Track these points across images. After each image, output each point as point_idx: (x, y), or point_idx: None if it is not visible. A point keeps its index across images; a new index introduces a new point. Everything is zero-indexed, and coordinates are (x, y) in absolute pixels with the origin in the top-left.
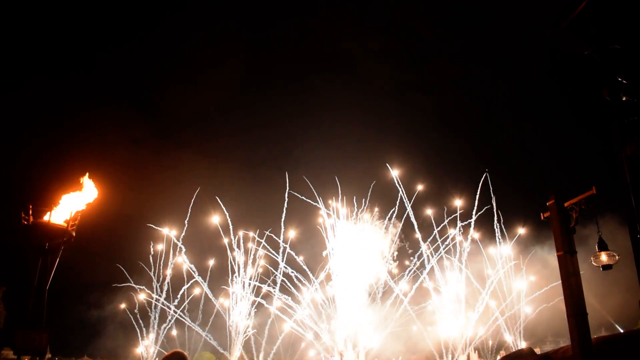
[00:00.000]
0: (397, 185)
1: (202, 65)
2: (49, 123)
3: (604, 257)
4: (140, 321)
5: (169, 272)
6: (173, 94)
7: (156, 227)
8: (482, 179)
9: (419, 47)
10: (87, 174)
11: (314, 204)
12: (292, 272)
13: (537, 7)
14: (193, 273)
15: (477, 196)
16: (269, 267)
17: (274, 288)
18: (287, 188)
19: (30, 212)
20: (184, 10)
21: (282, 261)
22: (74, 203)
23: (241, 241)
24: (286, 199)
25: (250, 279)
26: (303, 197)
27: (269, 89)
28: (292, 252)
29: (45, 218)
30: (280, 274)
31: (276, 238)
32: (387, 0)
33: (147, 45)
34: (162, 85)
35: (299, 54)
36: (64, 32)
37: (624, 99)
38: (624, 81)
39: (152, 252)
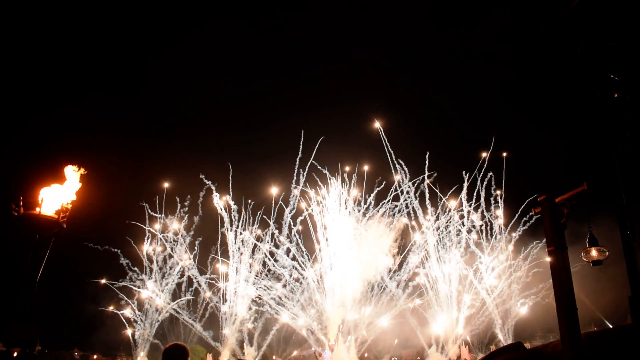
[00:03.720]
0: (399, 184)
1: (198, 59)
2: (39, 113)
3: (594, 253)
4: (133, 314)
5: (168, 268)
6: (169, 88)
7: (165, 220)
8: (486, 181)
9: (410, 44)
10: (74, 167)
11: (317, 197)
12: (286, 257)
13: (528, 5)
14: (188, 268)
15: (482, 196)
16: (264, 259)
17: (274, 283)
18: (299, 184)
19: (21, 203)
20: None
21: (285, 256)
22: (63, 194)
23: (240, 235)
24: (297, 195)
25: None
26: (312, 193)
27: (263, 88)
28: (291, 248)
29: (36, 209)
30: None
31: (277, 233)
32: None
33: (142, 41)
34: (158, 81)
35: (291, 50)
36: (59, 29)
37: (615, 95)
38: (616, 78)
39: (150, 247)
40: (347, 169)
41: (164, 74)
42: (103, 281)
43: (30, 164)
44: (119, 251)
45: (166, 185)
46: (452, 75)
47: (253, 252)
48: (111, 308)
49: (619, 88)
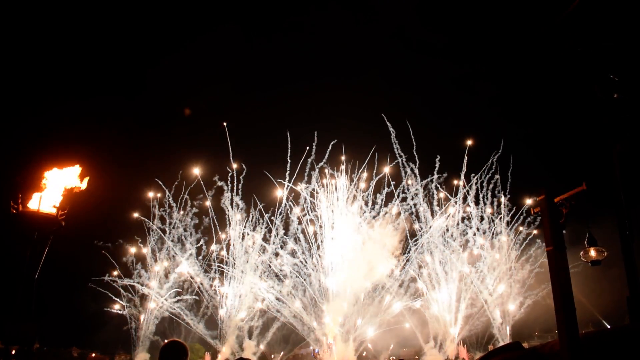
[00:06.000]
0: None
1: (206, 63)
2: (42, 112)
3: (592, 253)
4: (135, 312)
5: (174, 267)
6: (167, 84)
7: (172, 219)
8: (494, 183)
9: (407, 45)
10: (75, 166)
11: (326, 196)
12: (291, 258)
13: (528, 5)
14: (189, 270)
15: (488, 198)
16: (269, 259)
17: (277, 283)
18: (310, 184)
19: (20, 200)
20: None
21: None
22: (63, 192)
23: (247, 235)
24: (307, 195)
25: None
26: (320, 193)
27: (261, 88)
28: (296, 249)
29: (35, 207)
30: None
31: (282, 233)
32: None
33: (152, 43)
34: (156, 78)
35: (291, 54)
36: (67, 34)
37: (615, 96)
38: (616, 79)
39: (155, 245)
40: (356, 170)
41: (174, 74)
42: (105, 279)
43: (31, 162)
44: (129, 247)
45: (174, 184)
46: (455, 78)
47: (258, 252)
48: (113, 306)
49: (619, 89)
